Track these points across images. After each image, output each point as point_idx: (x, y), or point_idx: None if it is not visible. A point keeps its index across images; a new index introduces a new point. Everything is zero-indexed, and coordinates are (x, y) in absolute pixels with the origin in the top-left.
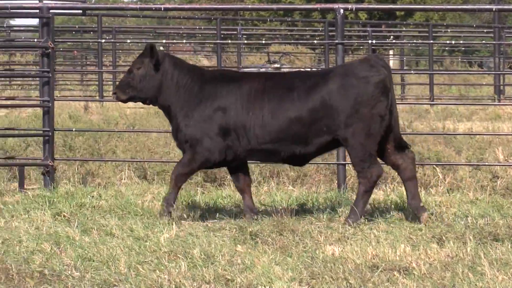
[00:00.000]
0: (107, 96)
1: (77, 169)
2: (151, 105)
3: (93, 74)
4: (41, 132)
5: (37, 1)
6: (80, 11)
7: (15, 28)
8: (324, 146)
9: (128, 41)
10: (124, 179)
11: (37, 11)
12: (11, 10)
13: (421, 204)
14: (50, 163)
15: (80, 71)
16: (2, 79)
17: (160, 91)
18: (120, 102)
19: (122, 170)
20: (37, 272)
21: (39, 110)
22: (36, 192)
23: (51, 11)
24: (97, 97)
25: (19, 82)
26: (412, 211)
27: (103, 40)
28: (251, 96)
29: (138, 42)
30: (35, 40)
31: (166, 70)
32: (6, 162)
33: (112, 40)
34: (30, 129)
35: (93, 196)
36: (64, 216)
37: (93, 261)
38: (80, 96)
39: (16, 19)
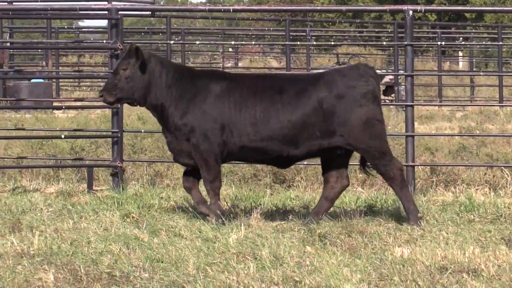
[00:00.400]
0: None
1: (146, 170)
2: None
3: None
4: (109, 133)
5: (106, 3)
6: (149, 13)
7: (84, 29)
8: (315, 151)
9: (197, 42)
10: None
11: (106, 12)
12: (80, 12)
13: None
14: (119, 164)
15: None
16: (71, 80)
17: (149, 91)
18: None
19: None
20: (105, 274)
21: (108, 111)
22: (104, 193)
23: (120, 12)
24: None
25: (88, 83)
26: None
27: (172, 42)
28: (243, 95)
29: (207, 43)
30: (104, 41)
31: (153, 70)
32: (75, 163)
33: (181, 42)
34: (99, 130)
35: (161, 197)
36: (132, 217)
37: (162, 262)
38: None
39: (85, 20)
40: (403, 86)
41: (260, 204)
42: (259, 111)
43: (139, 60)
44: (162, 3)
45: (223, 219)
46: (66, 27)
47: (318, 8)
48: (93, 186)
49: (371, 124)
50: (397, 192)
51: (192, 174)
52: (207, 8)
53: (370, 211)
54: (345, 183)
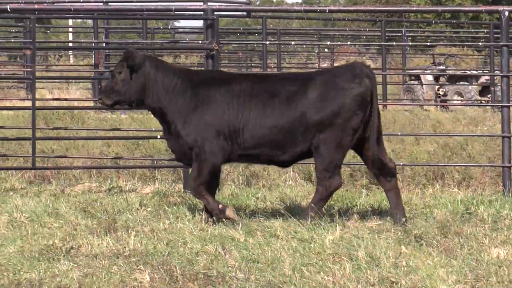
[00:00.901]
0: None
1: (242, 171)
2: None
3: None
4: None
5: (202, 3)
6: (244, 13)
7: (179, 30)
8: (301, 154)
9: (293, 43)
10: (289, 181)
11: (202, 13)
12: (176, 12)
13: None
14: None
15: None
16: None
17: (145, 94)
18: None
19: (287, 172)
20: (201, 274)
21: None
22: None
23: (215, 13)
24: None
25: None
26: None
27: (268, 42)
28: (240, 98)
29: (303, 44)
30: (200, 42)
31: (147, 73)
32: (171, 164)
33: (277, 42)
34: None
35: (257, 198)
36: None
37: (258, 262)
38: None
39: (180, 21)
40: (499, 87)
41: (356, 205)
42: (254, 115)
43: (130, 65)
44: (257, 3)
45: (224, 213)
46: (161, 27)
47: (414, 8)
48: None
49: (346, 132)
50: (314, 198)
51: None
52: (302, 8)
53: (466, 212)
54: (391, 166)
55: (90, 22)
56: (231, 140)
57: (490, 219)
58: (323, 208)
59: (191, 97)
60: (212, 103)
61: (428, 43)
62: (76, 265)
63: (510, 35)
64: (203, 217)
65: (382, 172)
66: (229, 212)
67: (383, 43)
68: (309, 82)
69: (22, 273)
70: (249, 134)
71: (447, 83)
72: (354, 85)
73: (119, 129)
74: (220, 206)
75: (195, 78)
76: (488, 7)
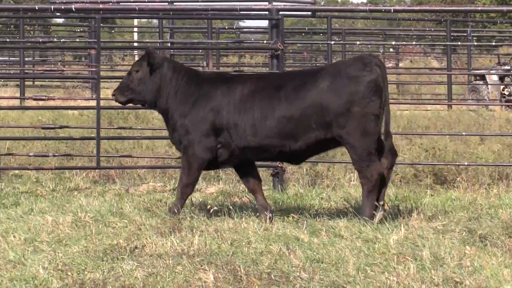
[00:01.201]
0: None
1: (306, 171)
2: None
3: None
4: None
5: (267, 3)
6: (309, 13)
7: (244, 29)
8: (317, 144)
9: (358, 43)
10: (353, 181)
11: (267, 12)
12: (241, 12)
13: (382, 203)
14: (279, 165)
15: None
16: None
17: (159, 95)
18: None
19: (352, 171)
20: (265, 273)
21: None
22: (265, 193)
23: (280, 13)
24: None
25: None
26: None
27: (333, 42)
28: (244, 96)
29: (368, 44)
30: (265, 41)
31: (164, 74)
32: None
33: (342, 42)
34: None
35: (322, 198)
36: (292, 217)
37: (322, 262)
38: None
39: (245, 20)
40: None
41: (421, 205)
42: (259, 110)
43: (151, 64)
44: (322, 3)
45: (178, 218)
46: (226, 27)
47: (479, 8)
48: None
49: (367, 118)
50: (363, 193)
51: (249, 172)
52: (368, 8)
53: None
54: (391, 160)
55: (155, 21)
56: (232, 134)
57: None
58: (388, 208)
59: (192, 93)
60: (211, 100)
61: (493, 43)
62: (140, 265)
63: None
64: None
65: (371, 171)
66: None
67: (448, 43)
68: (321, 73)
69: (86, 272)
70: (252, 127)
71: None
72: (365, 73)
73: None
74: (177, 217)
75: (202, 78)
76: None
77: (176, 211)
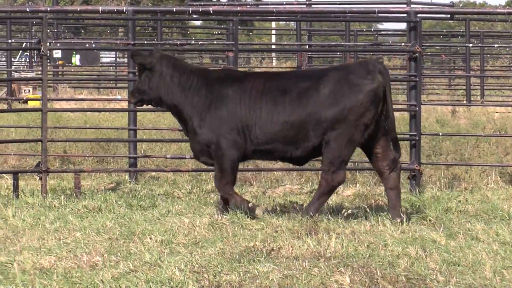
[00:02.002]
0: (474, 101)
1: (444, 173)
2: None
3: (460, 78)
4: (407, 136)
5: (405, 6)
6: (448, 15)
7: (382, 32)
8: (314, 149)
9: (496, 45)
10: (491, 183)
11: (405, 15)
12: (379, 15)
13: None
14: (417, 167)
15: (447, 75)
16: None
17: (161, 92)
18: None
19: (489, 174)
20: (401, 276)
21: (405, 114)
22: (402, 196)
23: (418, 15)
24: (465, 102)
25: None
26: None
27: (471, 45)
28: (252, 96)
29: (506, 46)
30: (402, 44)
31: (163, 72)
32: (370, 166)
33: (480, 45)
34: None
35: (459, 201)
36: (429, 220)
37: (459, 265)
38: (447, 100)
39: (383, 23)
40: None
41: None
42: (266, 112)
43: (140, 64)
44: (460, 5)
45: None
46: (365, 29)
47: None
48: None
49: (357, 128)
50: (317, 192)
51: None
52: (506, 11)
53: None
54: (398, 166)
55: (292, 24)
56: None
57: None
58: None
59: (206, 96)
60: (226, 100)
61: None
62: (276, 267)
63: None
64: (219, 208)
65: (388, 169)
66: (258, 212)
67: None
68: (323, 79)
69: (222, 274)
70: (260, 130)
71: None
72: (367, 81)
73: None
74: (250, 204)
75: (209, 76)
76: None
77: (244, 207)
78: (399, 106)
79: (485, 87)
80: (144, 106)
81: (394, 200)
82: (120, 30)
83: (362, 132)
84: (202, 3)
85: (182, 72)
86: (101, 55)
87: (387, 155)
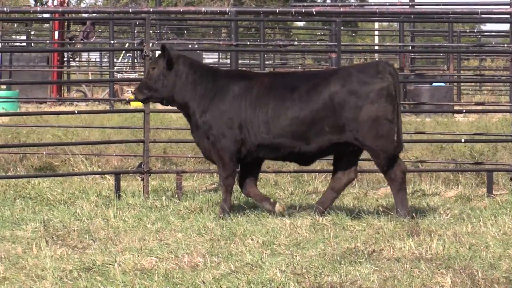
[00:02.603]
0: None
1: None
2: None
3: None
4: (510, 137)
5: (508, 7)
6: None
7: (485, 33)
8: (328, 147)
9: None
10: None
11: (508, 16)
12: (482, 16)
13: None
14: None
15: None
16: (473, 84)
17: (175, 90)
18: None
19: None
20: (503, 278)
21: (508, 116)
22: (504, 197)
23: None
24: None
25: (489, 88)
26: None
27: None
28: (259, 94)
29: None
30: (505, 45)
31: (179, 70)
32: (474, 168)
33: None
34: (499, 135)
35: None
36: None
37: None
38: None
39: (486, 24)
40: None
41: None
42: (272, 109)
43: (165, 60)
44: None
45: (230, 214)
46: (468, 30)
47: None
48: (493, 191)
49: (379, 123)
50: (394, 193)
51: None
52: None
53: None
54: (352, 176)
55: (396, 25)
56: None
57: None
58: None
59: (211, 90)
60: (229, 95)
61: None
62: (377, 268)
63: None
64: (266, 206)
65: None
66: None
67: None
68: (334, 77)
69: (323, 276)
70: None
71: None
72: (377, 80)
73: (423, 133)
74: (227, 214)
75: (221, 75)
76: None
77: (226, 207)
78: (502, 108)
79: None
80: None
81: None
82: (223, 31)
83: (388, 126)
84: (305, 4)
85: (196, 71)
86: (203, 56)
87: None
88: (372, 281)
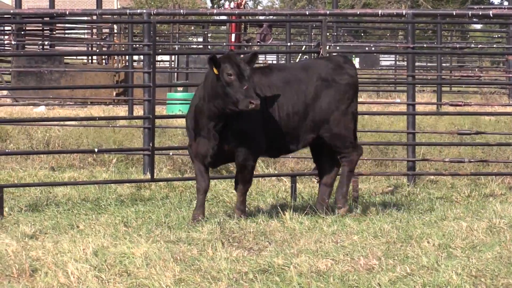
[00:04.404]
0: None
1: None
2: None
3: None
4: None
5: None
6: None
7: None
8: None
9: None
10: None
11: None
12: None
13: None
14: None
15: None
16: None
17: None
18: None
19: None
20: None
21: None
22: None
23: None
24: None
25: None
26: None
27: None
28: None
29: None
30: None
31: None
32: None
33: None
34: None
35: None
36: None
37: None
38: None
39: None
40: None
41: None
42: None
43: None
44: None
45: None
46: None
47: None
48: None
49: (349, 115)
50: (343, 173)
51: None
52: None
53: None
54: (338, 166)
55: None
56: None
57: None
58: None
59: None
60: None
61: None
62: None
63: None
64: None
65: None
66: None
67: None
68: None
69: (499, 278)
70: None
71: None
72: (345, 76)
73: None
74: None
75: None
76: None
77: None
78: None
79: None
80: (422, 109)
81: (325, 195)
82: (399, 33)
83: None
84: (482, 6)
85: None
86: (380, 58)
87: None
88: None
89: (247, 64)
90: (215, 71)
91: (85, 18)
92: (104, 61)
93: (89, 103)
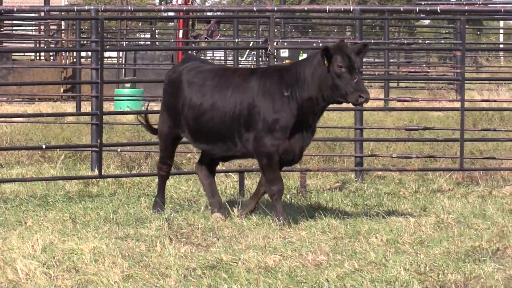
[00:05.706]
0: None
1: None
2: None
3: None
4: None
5: None
6: None
7: None
8: None
9: None
10: None
11: None
12: None
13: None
14: None
15: None
16: None
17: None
18: None
19: None
20: None
21: None
22: None
23: None
24: None
25: None
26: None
27: None
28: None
29: None
30: None
31: None
32: None
33: None
34: None
35: None
36: None
37: None
38: None
39: None
40: None
41: None
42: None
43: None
44: None
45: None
46: None
47: None
48: None
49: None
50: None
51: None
52: None
53: None
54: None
55: None
56: None
57: None
58: None
59: None
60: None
61: None
62: (502, 267)
63: None
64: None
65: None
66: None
67: None
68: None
69: (447, 274)
70: None
71: None
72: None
73: None
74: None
75: None
76: None
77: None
78: None
79: None
80: (369, 105)
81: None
82: (347, 29)
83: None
84: (430, 2)
85: None
86: None
87: None
88: (497, 279)
89: (356, 55)
90: (326, 63)
91: (33, 14)
92: (51, 57)
93: (37, 99)
